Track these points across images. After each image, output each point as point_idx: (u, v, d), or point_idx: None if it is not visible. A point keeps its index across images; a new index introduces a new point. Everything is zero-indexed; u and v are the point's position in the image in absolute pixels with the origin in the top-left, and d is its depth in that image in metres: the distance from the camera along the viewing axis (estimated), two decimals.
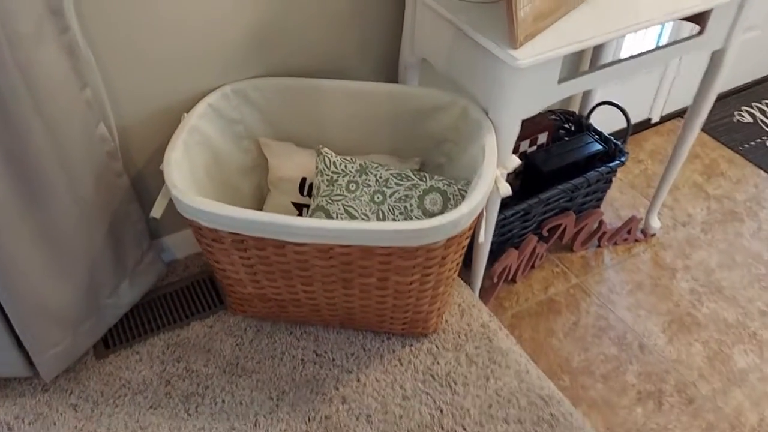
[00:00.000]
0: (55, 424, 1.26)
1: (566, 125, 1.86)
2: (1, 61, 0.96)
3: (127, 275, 1.41)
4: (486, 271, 1.58)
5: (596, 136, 1.76)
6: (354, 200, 1.26)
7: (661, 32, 1.70)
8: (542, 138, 1.71)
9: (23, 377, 1.33)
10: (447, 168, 1.43)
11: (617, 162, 1.70)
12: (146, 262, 1.46)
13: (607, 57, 1.71)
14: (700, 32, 1.34)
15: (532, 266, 1.75)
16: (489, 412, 1.31)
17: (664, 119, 2.30)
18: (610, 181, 1.78)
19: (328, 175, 1.29)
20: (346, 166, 1.29)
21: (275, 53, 1.38)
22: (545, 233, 1.72)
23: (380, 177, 1.28)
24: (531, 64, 1.10)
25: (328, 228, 1.08)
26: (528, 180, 1.71)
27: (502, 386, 1.35)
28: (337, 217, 1.26)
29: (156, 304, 1.49)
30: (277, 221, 1.09)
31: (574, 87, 1.25)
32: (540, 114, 1.67)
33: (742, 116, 2.35)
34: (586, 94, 1.90)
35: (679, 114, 2.32)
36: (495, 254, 1.61)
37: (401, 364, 1.38)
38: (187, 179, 1.21)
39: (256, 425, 1.27)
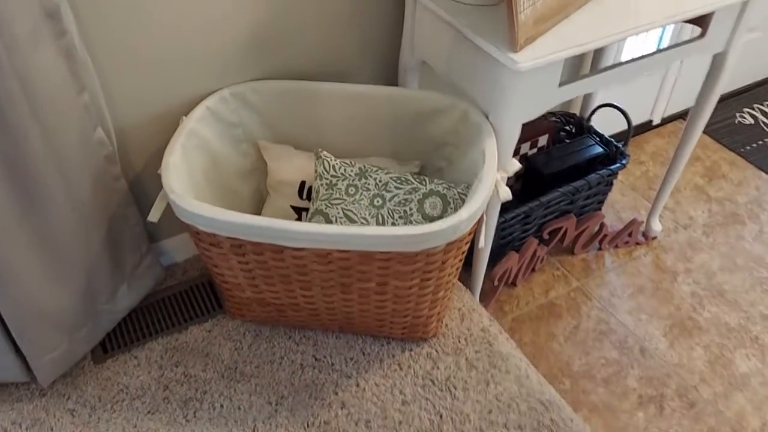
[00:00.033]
0: (52, 429, 1.25)
1: (567, 127, 1.86)
2: None
3: (125, 279, 1.40)
4: (486, 275, 1.57)
5: (597, 139, 1.75)
6: (353, 204, 1.26)
7: (662, 35, 1.70)
8: (543, 140, 1.71)
9: (20, 382, 1.32)
10: (447, 171, 1.42)
11: (618, 164, 1.69)
12: (144, 266, 1.45)
13: (609, 60, 1.70)
14: (702, 35, 1.34)
15: (533, 269, 1.75)
16: (489, 417, 1.30)
17: (666, 121, 2.29)
18: (611, 183, 1.77)
19: (327, 178, 1.28)
20: (345, 170, 1.28)
21: (274, 56, 1.38)
22: (546, 236, 1.71)
23: (380, 181, 1.27)
24: (531, 67, 1.09)
25: (327, 233, 1.08)
26: (529, 183, 1.70)
27: (502, 391, 1.34)
28: (336, 221, 1.25)
29: (154, 309, 1.48)
30: (275, 226, 1.08)
31: (575, 90, 1.24)
32: (540, 116, 1.66)
33: (744, 118, 2.34)
34: (587, 96, 1.89)
35: (681, 116, 2.31)
36: (495, 257, 1.60)
37: (401, 369, 1.37)
38: (186, 183, 1.20)
39: (254, 430, 1.26)
